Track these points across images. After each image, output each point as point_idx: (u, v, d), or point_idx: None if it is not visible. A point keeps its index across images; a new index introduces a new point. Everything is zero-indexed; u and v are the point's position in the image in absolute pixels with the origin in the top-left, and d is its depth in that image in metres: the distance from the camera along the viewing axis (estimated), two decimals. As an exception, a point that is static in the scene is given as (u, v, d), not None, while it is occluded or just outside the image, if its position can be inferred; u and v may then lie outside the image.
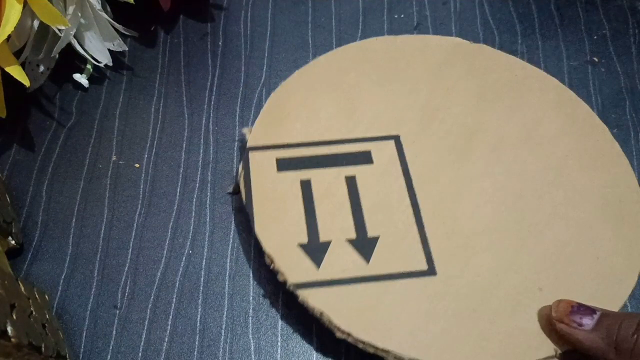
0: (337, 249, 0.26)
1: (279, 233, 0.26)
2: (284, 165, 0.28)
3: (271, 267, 0.25)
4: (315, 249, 0.26)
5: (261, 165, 0.28)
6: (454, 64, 0.32)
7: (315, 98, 0.30)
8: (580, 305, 0.23)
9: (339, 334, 0.24)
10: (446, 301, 0.24)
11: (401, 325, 0.24)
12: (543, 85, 0.31)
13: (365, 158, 0.28)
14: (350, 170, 0.28)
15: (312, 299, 0.24)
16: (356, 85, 0.31)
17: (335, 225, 0.26)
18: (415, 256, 0.26)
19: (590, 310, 0.23)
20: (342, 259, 0.25)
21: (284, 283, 0.25)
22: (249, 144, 0.29)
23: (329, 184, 0.27)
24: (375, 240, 0.26)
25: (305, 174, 0.28)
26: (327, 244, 0.26)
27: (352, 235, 0.26)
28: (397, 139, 0.29)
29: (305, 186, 0.27)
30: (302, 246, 0.26)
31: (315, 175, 0.28)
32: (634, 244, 0.26)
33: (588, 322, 0.22)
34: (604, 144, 0.29)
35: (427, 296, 0.25)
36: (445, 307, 0.24)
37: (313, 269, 0.25)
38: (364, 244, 0.26)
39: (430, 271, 0.25)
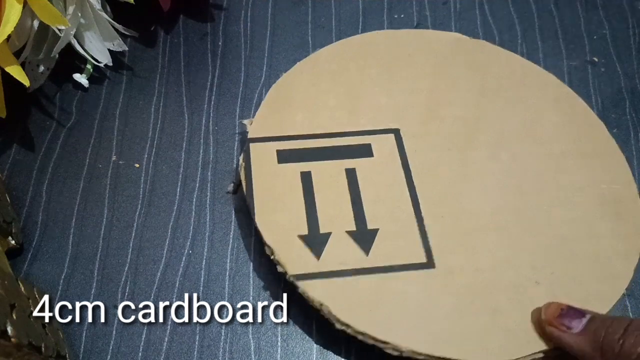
0: (337, 241, 0.26)
1: (280, 224, 0.26)
2: (284, 157, 0.28)
3: (271, 257, 0.25)
4: (316, 241, 0.26)
5: (262, 156, 0.28)
6: (455, 58, 0.32)
7: (316, 90, 0.30)
8: (570, 308, 0.23)
9: (338, 326, 0.24)
10: (446, 294, 0.25)
11: (401, 317, 0.24)
12: (542, 81, 0.31)
13: (365, 151, 0.28)
14: (350, 162, 0.28)
15: (312, 290, 0.24)
16: (357, 78, 0.31)
17: (335, 217, 0.26)
18: (415, 249, 0.26)
19: (579, 313, 0.23)
20: (342, 250, 0.25)
21: (284, 274, 0.25)
22: (250, 135, 0.29)
23: (329, 176, 0.27)
24: (374, 232, 0.26)
25: (305, 166, 0.28)
26: (327, 236, 0.26)
27: (352, 227, 0.26)
28: (397, 132, 0.29)
29: (306, 178, 0.27)
30: (303, 237, 0.26)
31: (315, 167, 0.28)
32: (631, 241, 0.26)
33: (576, 325, 0.22)
34: (601, 142, 0.29)
35: (427, 289, 0.25)
36: (444, 299, 0.24)
37: (313, 261, 0.25)
38: (364, 236, 0.26)
39: (430, 264, 0.25)
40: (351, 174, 0.27)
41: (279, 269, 0.25)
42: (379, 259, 0.25)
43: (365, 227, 0.26)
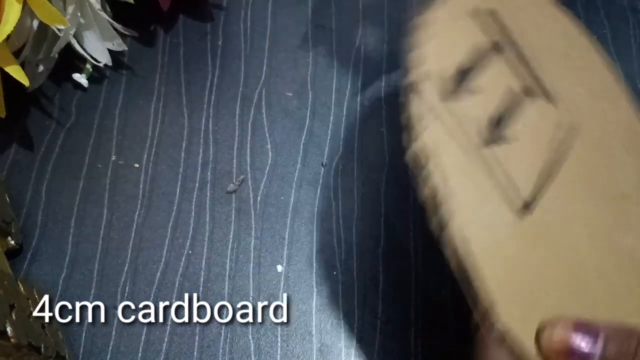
0: (485, 96, 0.22)
1: (444, 33, 0.22)
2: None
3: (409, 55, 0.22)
4: (457, 79, 0.22)
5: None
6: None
7: None
8: (578, 332, 0.20)
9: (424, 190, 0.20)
10: (536, 244, 0.22)
11: (483, 231, 0.21)
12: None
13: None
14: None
15: (427, 131, 0.20)
16: None
17: (500, 77, 0.23)
18: (526, 182, 0.22)
19: (590, 340, 0.20)
20: (478, 114, 0.22)
21: (411, 78, 0.21)
22: None
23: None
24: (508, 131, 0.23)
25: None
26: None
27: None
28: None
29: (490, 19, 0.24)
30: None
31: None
32: None
33: None
34: None
35: (516, 227, 0.22)
36: (535, 249, 0.22)
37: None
38: (503, 121, 0.22)
39: (530, 205, 0.22)
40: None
41: (408, 70, 0.21)
42: (498, 156, 0.22)
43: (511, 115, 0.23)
